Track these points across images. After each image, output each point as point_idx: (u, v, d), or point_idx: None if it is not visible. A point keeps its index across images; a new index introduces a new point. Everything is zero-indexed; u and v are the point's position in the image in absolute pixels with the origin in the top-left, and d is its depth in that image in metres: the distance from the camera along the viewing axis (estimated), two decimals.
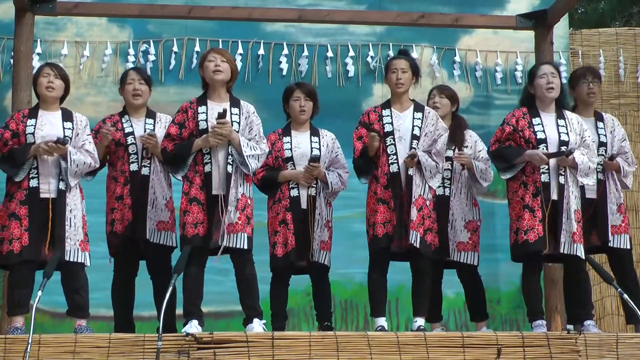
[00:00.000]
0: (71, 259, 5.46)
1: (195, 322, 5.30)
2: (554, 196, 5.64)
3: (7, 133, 5.60)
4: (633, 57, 8.42)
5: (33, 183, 5.51)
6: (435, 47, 8.16)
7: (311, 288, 6.04)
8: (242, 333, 4.95)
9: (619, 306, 7.59)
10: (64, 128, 5.63)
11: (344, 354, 4.87)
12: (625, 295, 5.40)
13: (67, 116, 5.71)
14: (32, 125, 5.59)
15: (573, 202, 5.64)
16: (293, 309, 7.02)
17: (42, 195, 5.49)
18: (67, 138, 5.54)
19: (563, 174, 5.67)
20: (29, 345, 4.64)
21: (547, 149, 5.68)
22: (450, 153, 6.13)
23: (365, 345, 4.90)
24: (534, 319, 5.70)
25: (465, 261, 6.06)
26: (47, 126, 5.60)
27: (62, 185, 5.53)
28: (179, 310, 5.54)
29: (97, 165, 5.76)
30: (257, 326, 5.36)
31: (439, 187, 6.03)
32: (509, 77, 8.20)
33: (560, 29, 7.92)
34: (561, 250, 5.59)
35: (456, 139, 6.18)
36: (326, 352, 4.86)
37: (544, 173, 5.67)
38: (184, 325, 5.32)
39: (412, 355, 4.92)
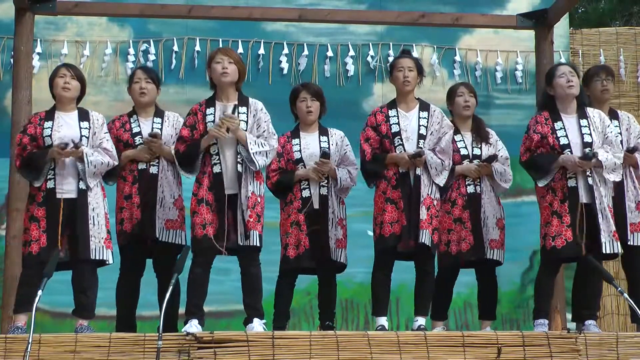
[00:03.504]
0: (97, 257, 5.46)
1: (195, 322, 5.29)
2: (584, 199, 5.61)
3: (25, 138, 5.58)
4: (633, 57, 8.42)
5: (50, 184, 5.50)
6: (435, 46, 8.16)
7: (312, 287, 6.04)
8: (243, 332, 4.94)
9: (619, 305, 7.59)
10: (80, 128, 5.60)
11: (344, 354, 4.86)
12: (626, 295, 5.39)
13: (83, 116, 5.68)
14: (49, 127, 5.57)
15: (605, 202, 5.62)
16: (294, 308, 6.99)
17: (58, 196, 5.48)
18: (80, 142, 5.50)
19: (590, 175, 5.64)
20: (29, 345, 4.63)
21: (571, 153, 5.64)
22: (478, 152, 6.12)
23: (366, 345, 4.90)
24: (538, 317, 5.70)
25: (497, 258, 6.03)
26: (64, 127, 5.58)
27: (82, 185, 5.52)
28: (182, 310, 5.54)
29: (116, 163, 5.71)
30: (258, 326, 5.36)
31: (469, 184, 6.04)
32: (509, 76, 8.20)
33: (561, 28, 7.92)
34: (603, 251, 5.55)
35: (481, 136, 6.18)
36: (326, 351, 4.86)
37: (570, 178, 5.65)
38: (185, 324, 5.32)
39: (412, 354, 4.92)
